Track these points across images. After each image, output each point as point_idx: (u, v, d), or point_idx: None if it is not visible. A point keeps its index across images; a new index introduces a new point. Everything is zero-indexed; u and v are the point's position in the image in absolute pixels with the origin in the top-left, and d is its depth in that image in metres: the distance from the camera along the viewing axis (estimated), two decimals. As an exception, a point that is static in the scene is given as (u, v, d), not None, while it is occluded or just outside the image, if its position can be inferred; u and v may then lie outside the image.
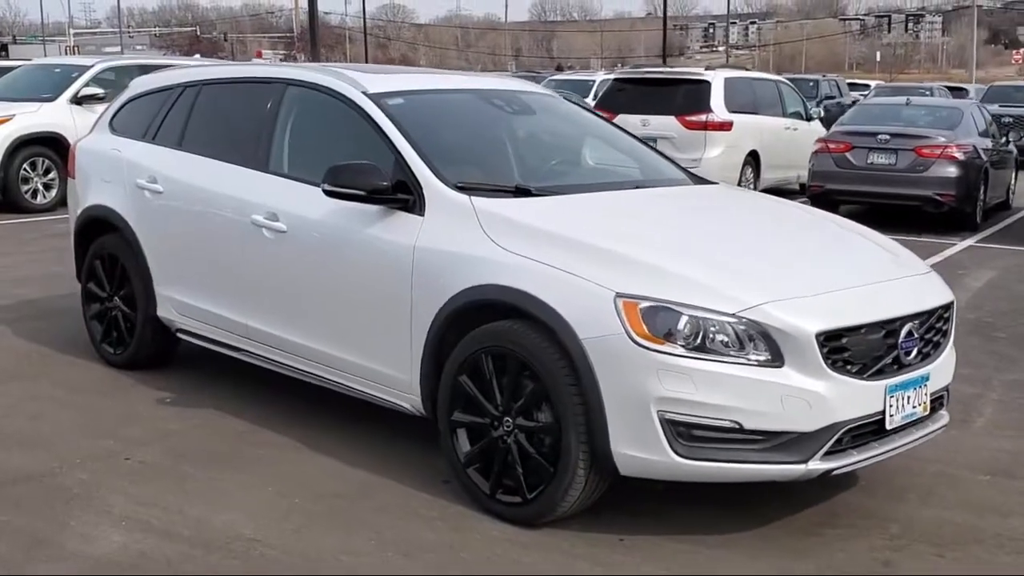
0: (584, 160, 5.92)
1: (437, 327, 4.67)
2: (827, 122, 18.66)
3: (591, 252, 4.33)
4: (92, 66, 14.72)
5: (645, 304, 4.09)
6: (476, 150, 5.61)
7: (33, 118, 13.82)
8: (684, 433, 4.06)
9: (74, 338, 7.25)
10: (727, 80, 16.02)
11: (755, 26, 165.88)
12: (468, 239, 4.64)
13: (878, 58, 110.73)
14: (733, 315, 4.06)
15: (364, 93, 5.41)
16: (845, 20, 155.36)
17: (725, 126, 15.39)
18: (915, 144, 14.30)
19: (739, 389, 4.02)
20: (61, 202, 14.01)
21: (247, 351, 5.80)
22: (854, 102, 29.24)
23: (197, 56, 37.00)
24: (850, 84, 38.93)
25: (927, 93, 28.36)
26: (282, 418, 5.74)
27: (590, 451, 4.18)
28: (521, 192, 4.96)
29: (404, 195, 4.93)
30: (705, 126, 15.26)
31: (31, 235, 12.23)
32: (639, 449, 4.10)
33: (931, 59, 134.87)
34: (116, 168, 6.57)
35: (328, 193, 4.96)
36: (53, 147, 13.94)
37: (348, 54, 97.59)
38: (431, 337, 4.71)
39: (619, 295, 4.12)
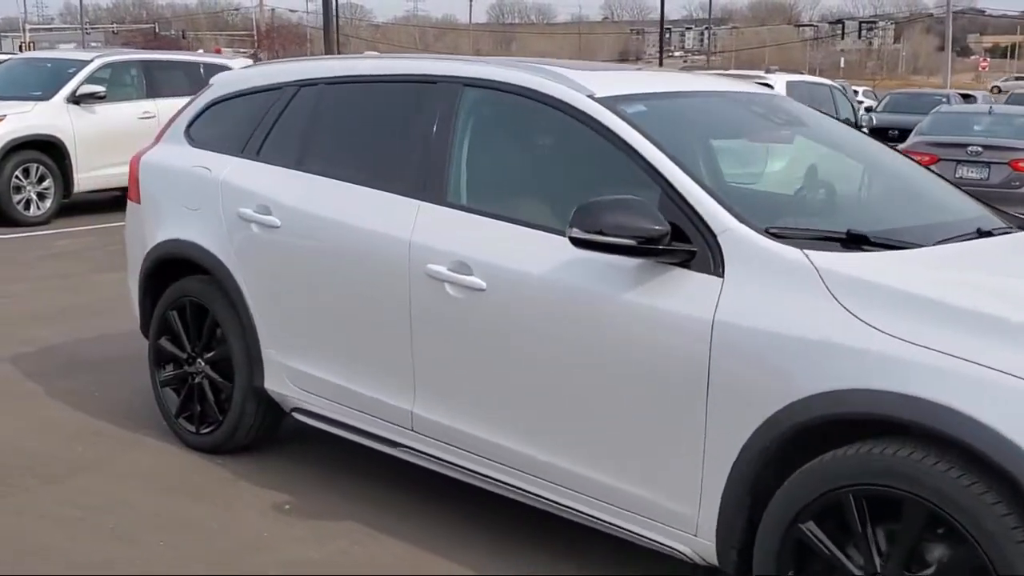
0: (893, 191, 4.43)
1: (757, 448, 3.18)
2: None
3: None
4: (91, 61, 13.00)
5: None
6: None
7: (26, 119, 12.07)
8: None
9: (128, 404, 5.71)
10: (788, 83, 14.65)
11: (711, 32, 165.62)
12: (809, 313, 3.15)
13: (842, 64, 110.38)
14: None
15: (591, 97, 3.89)
16: (800, 26, 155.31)
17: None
18: (1010, 157, 13.01)
19: None
20: (57, 214, 12.35)
21: (407, 447, 4.26)
22: (868, 109, 28.10)
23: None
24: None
25: (944, 100, 27.21)
26: (459, 537, 4.20)
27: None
28: (854, 241, 3.46)
29: (684, 245, 3.42)
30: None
31: (32, 254, 10.54)
32: None
33: (892, 66, 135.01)
34: (206, 192, 4.98)
35: (578, 242, 3.44)
36: (48, 152, 12.21)
37: (309, 53, 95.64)
38: (743, 461, 3.22)
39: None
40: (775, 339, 3.17)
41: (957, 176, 13.09)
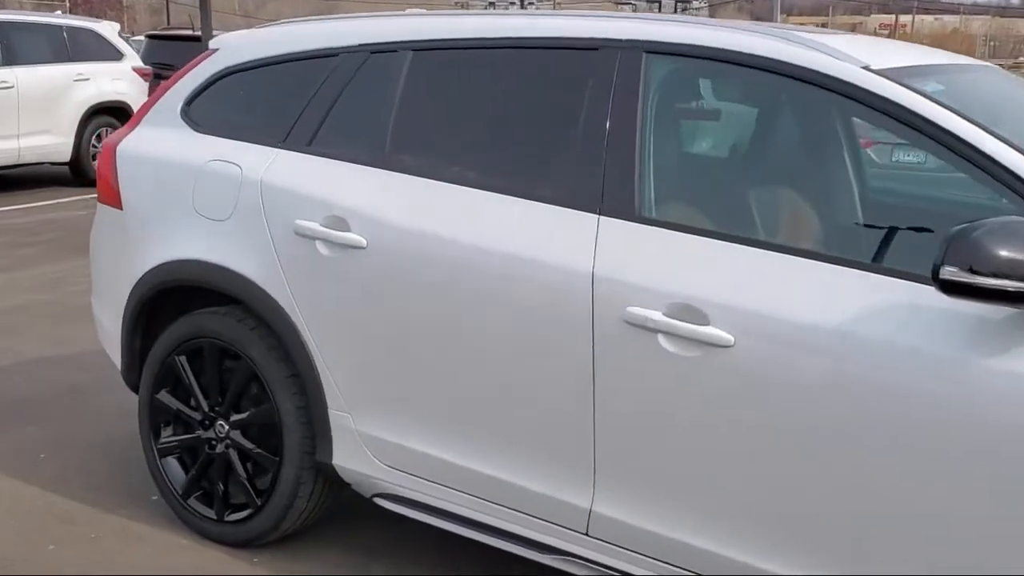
0: None
1: None
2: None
3: None
4: None
5: None
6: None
7: None
8: None
9: (89, 470, 4.30)
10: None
11: (532, 6, 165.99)
12: None
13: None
14: None
15: (868, 70, 2.77)
16: (619, 4, 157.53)
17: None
18: (948, 140, 12.48)
19: None
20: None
21: (577, 558, 3.07)
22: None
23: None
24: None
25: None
26: None
27: None
28: None
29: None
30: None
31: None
32: None
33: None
34: (238, 197, 3.64)
35: (955, 288, 2.33)
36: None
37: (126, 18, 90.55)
38: None
39: None
40: None
41: (893, 160, 12.48)
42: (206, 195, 3.73)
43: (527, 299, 3.05)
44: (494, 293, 3.11)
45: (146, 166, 3.97)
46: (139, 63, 13.29)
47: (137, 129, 4.11)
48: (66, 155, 12.16)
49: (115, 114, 12.72)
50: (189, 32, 16.69)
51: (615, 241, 2.94)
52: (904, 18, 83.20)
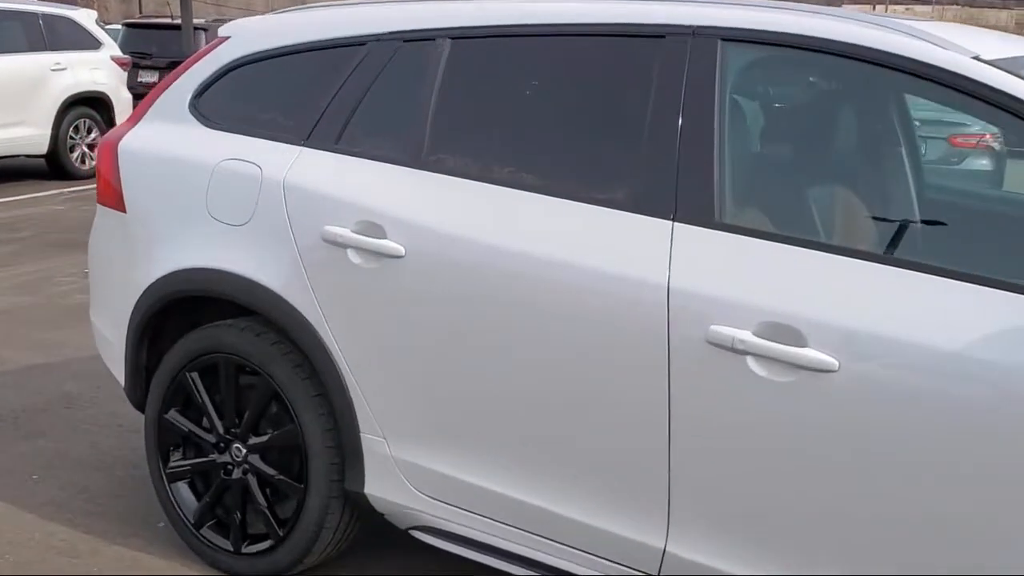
0: None
1: None
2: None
3: None
4: None
5: None
6: None
7: None
8: None
9: (89, 492, 3.97)
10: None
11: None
12: None
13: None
14: None
15: (979, 60, 2.49)
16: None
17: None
18: (948, 132, 12.25)
19: None
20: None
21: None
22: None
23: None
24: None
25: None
26: None
27: None
28: None
29: None
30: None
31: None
32: None
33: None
34: (258, 200, 3.32)
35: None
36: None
37: None
38: None
39: None
40: None
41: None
42: (221, 197, 3.39)
43: (590, 315, 2.74)
44: (550, 308, 2.81)
45: (152, 165, 3.64)
46: (118, 52, 12.87)
47: (140, 124, 3.77)
48: (43, 147, 11.72)
49: (93, 105, 12.30)
50: (168, 20, 16.24)
51: (693, 250, 2.64)
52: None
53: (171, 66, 15.20)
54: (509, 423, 2.93)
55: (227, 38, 3.72)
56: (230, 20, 13.48)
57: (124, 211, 3.67)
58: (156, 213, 3.58)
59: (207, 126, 3.57)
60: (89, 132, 12.26)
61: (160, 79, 15.20)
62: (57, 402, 4.94)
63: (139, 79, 14.82)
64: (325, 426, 3.25)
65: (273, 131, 3.41)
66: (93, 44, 12.39)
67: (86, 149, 12.21)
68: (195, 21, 14.73)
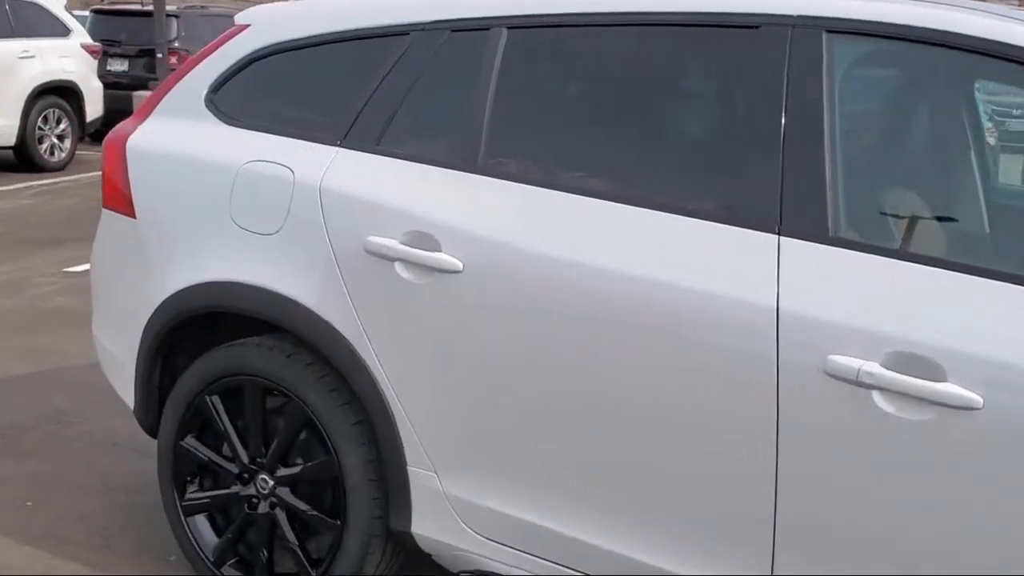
0: None
1: None
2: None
3: None
4: None
5: None
6: None
7: None
8: None
9: (86, 520, 3.63)
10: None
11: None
12: None
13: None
14: None
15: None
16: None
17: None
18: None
19: None
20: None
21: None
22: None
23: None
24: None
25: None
26: None
27: None
28: None
29: None
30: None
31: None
32: None
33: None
34: (291, 206, 2.98)
35: None
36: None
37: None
38: None
39: None
40: None
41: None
42: (247, 203, 3.06)
43: (682, 340, 2.44)
44: (634, 330, 2.50)
45: (165, 165, 3.30)
46: (87, 39, 12.42)
47: (150, 120, 3.42)
48: (10, 139, 11.26)
49: (63, 94, 11.86)
50: (138, 7, 15.74)
51: (804, 269, 2.34)
52: None
53: (141, 54, 14.78)
54: (580, 460, 2.63)
55: (246, 26, 3.38)
56: (203, 8, 12.96)
57: (134, 216, 3.33)
58: (171, 219, 3.24)
59: (227, 123, 3.24)
60: (58, 122, 11.84)
61: (130, 68, 14.90)
62: (47, 418, 4.59)
63: (108, 67, 14.34)
64: (366, 457, 2.93)
65: (304, 130, 3.09)
66: (62, 31, 11.95)
67: (55, 140, 11.79)
68: (167, 8, 14.26)
